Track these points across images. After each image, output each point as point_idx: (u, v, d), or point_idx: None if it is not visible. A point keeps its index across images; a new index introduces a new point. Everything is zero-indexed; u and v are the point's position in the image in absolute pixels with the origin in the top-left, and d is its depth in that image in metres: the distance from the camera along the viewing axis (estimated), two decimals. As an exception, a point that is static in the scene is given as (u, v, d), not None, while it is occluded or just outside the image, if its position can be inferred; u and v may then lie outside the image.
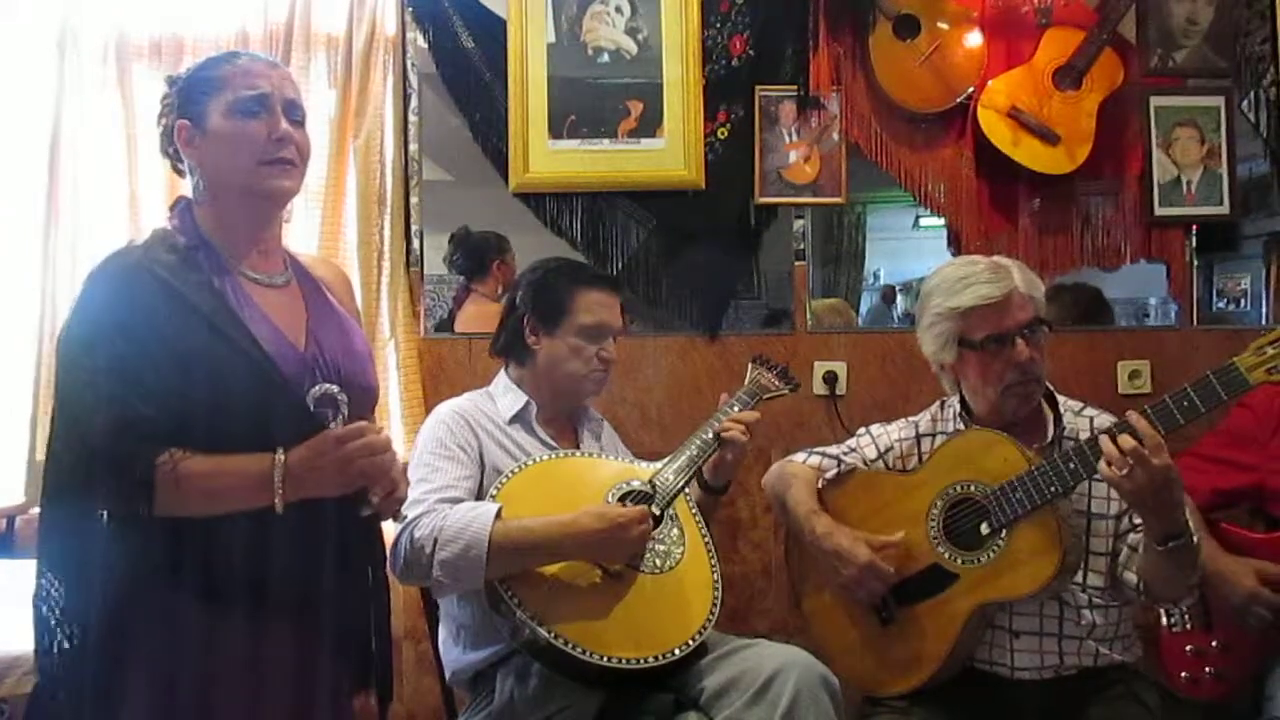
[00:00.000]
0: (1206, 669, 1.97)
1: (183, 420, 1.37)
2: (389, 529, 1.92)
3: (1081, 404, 1.89)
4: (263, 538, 1.43)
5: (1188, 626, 2.00)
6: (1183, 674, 1.99)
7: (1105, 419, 1.83)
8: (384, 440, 1.40)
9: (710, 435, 1.91)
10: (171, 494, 1.36)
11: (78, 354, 1.39)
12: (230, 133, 1.48)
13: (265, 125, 1.48)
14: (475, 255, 2.68)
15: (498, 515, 1.68)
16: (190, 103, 1.51)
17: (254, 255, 1.53)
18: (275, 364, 1.41)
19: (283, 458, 1.36)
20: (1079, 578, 1.77)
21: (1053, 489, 1.69)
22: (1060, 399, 1.88)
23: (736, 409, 1.98)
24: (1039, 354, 1.79)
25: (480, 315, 2.62)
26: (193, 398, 1.37)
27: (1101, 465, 1.60)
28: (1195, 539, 1.66)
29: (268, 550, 1.44)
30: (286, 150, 1.49)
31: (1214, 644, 1.97)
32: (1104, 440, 1.60)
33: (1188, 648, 1.99)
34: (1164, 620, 2.03)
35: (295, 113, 1.52)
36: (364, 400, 1.54)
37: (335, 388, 1.42)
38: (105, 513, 1.43)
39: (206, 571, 1.43)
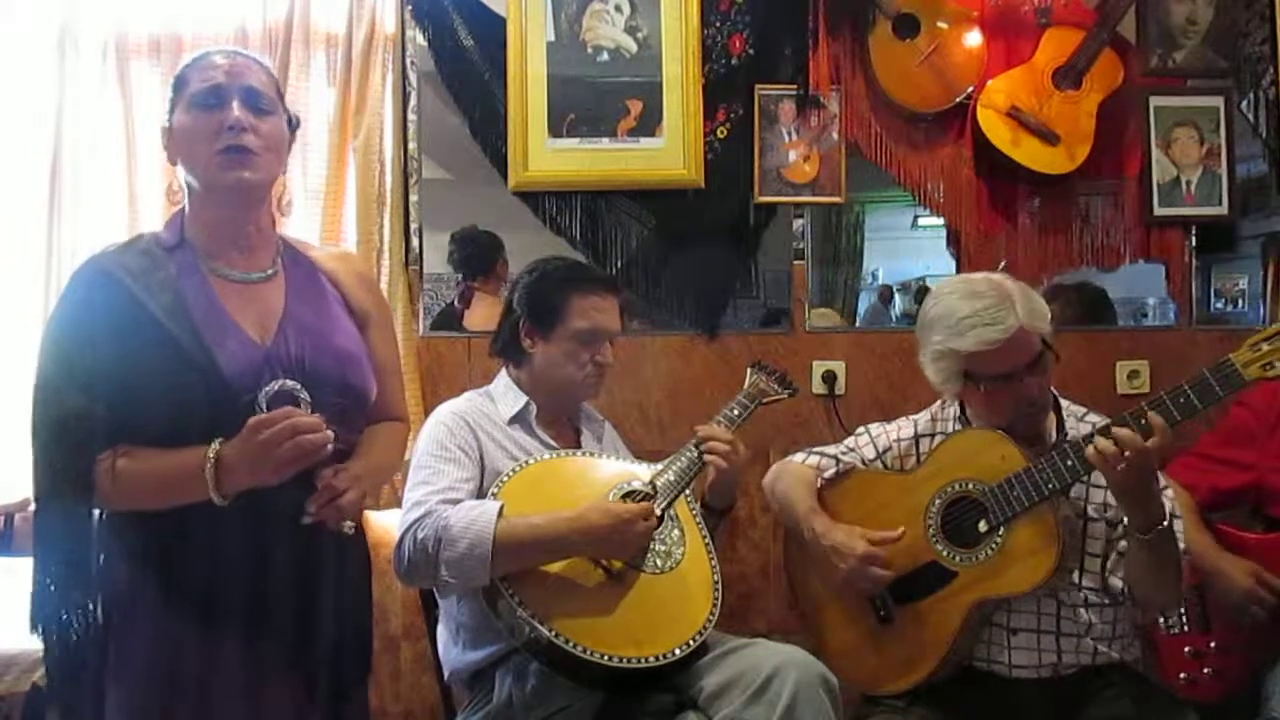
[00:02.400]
0: (1204, 669, 1.97)
1: (130, 418, 1.41)
2: (388, 528, 1.93)
3: (1085, 410, 1.88)
4: (234, 540, 1.44)
5: (1185, 628, 2.00)
6: (1180, 675, 1.99)
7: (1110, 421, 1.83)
8: (308, 423, 1.38)
9: (694, 454, 1.90)
10: (111, 489, 1.41)
11: (43, 355, 1.45)
12: (187, 128, 1.50)
13: (218, 117, 1.47)
14: (483, 254, 2.67)
15: (500, 512, 1.68)
16: (169, 105, 1.54)
17: (232, 252, 1.53)
18: (216, 362, 1.41)
19: (215, 450, 1.38)
20: (1075, 577, 1.78)
21: (1051, 486, 1.69)
22: (1064, 404, 1.87)
23: (735, 412, 1.98)
24: (1046, 381, 1.78)
25: (492, 313, 2.61)
26: (138, 397, 1.40)
27: (1090, 450, 1.60)
28: (1179, 539, 1.69)
29: (239, 552, 1.45)
30: (242, 138, 1.47)
31: (1211, 645, 1.97)
32: (1102, 438, 1.61)
33: (1185, 649, 1.99)
34: (1161, 622, 2.04)
35: (258, 100, 1.51)
36: (342, 398, 1.51)
37: (293, 384, 1.41)
38: (94, 511, 1.46)
39: (182, 574, 1.44)
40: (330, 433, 1.40)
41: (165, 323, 1.42)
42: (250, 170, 1.48)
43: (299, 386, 1.41)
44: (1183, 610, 2.00)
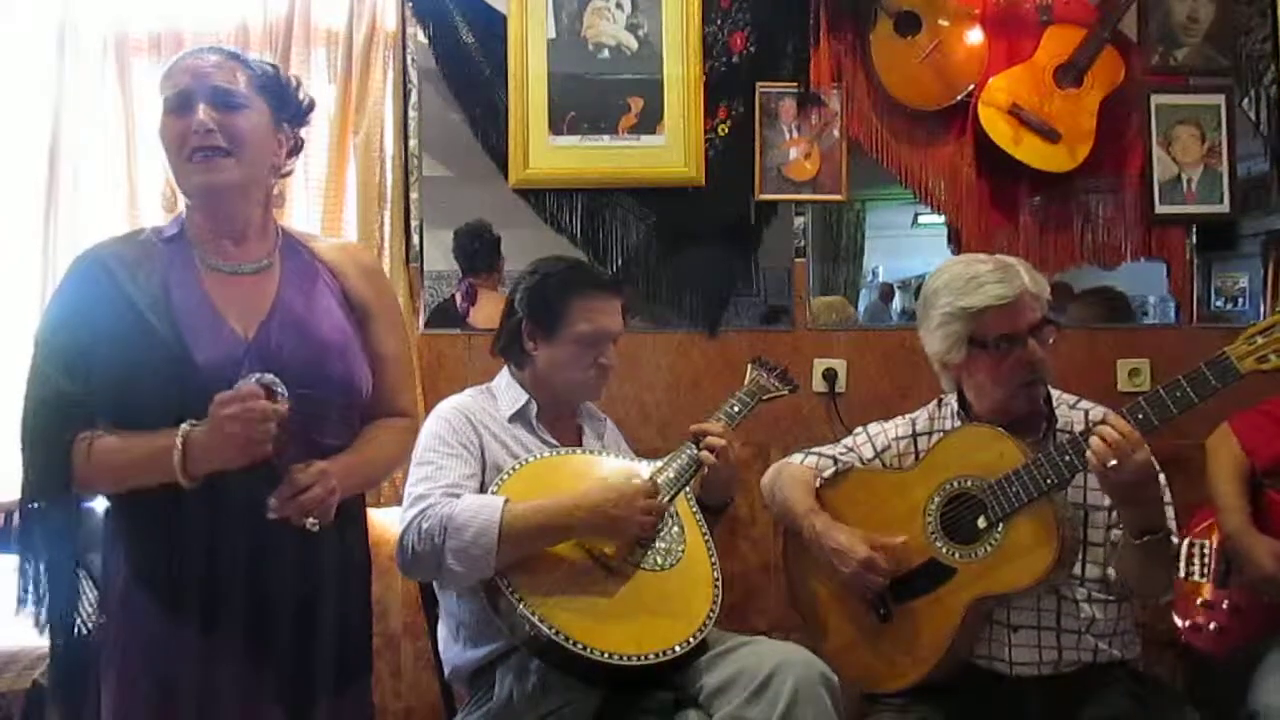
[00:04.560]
0: (1211, 624, 1.97)
1: (111, 406, 1.44)
2: (388, 525, 1.93)
3: (1076, 398, 1.90)
4: (231, 538, 1.45)
5: (1206, 575, 2.00)
6: (1185, 622, 1.99)
7: (1099, 412, 1.83)
8: (259, 410, 1.36)
9: (688, 455, 1.90)
10: (86, 470, 1.43)
11: (36, 340, 1.49)
12: (161, 133, 1.52)
13: (185, 121, 1.48)
14: (487, 250, 2.67)
15: (505, 503, 1.68)
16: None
17: (224, 245, 1.54)
18: (191, 354, 1.42)
19: (184, 431, 1.38)
20: (1076, 570, 1.78)
21: (1049, 481, 1.69)
22: (1054, 393, 1.88)
23: (735, 408, 1.98)
24: (1047, 352, 1.79)
25: (498, 310, 2.60)
26: (117, 385, 1.43)
27: (1090, 455, 1.61)
28: (1174, 540, 1.71)
29: (236, 551, 1.45)
30: (209, 139, 1.47)
31: (1225, 604, 1.97)
32: (1096, 433, 1.61)
33: (1199, 599, 1.99)
34: (1183, 566, 2.03)
35: (227, 98, 1.50)
36: (325, 392, 1.51)
37: (271, 377, 1.40)
38: (88, 502, 1.47)
39: (178, 571, 1.45)
40: (271, 426, 1.37)
41: (146, 313, 1.44)
42: (219, 172, 1.49)
43: (277, 380, 1.41)
44: (1207, 559, 1.99)
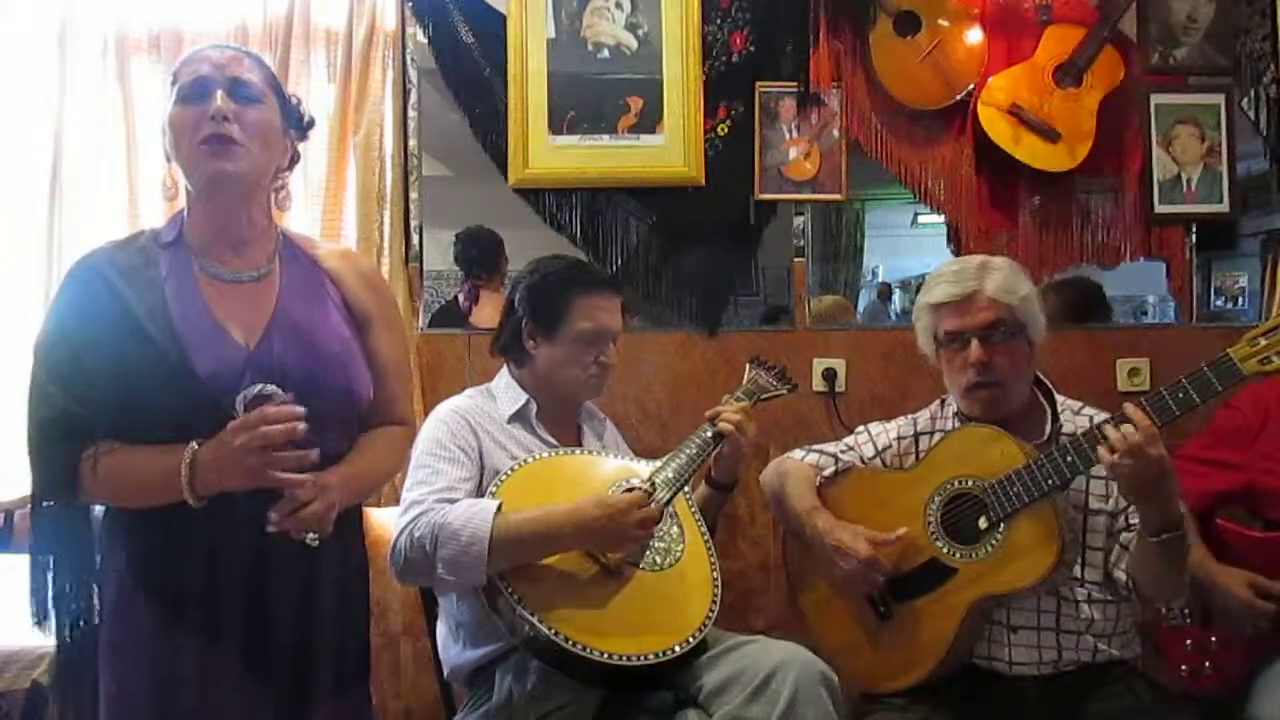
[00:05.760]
0: (1206, 663, 1.97)
1: (112, 419, 1.41)
2: (388, 525, 1.93)
3: (1080, 404, 1.89)
4: (230, 542, 1.44)
5: (1187, 621, 2.00)
6: (1183, 667, 1.99)
7: (1104, 418, 1.83)
8: (275, 434, 1.36)
9: (710, 434, 1.91)
10: (93, 485, 1.42)
11: (36, 352, 1.47)
12: (173, 120, 1.50)
13: (202, 108, 1.47)
14: (489, 252, 2.68)
15: (498, 510, 1.68)
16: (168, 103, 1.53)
17: (225, 250, 1.52)
18: (190, 365, 1.40)
19: (192, 451, 1.37)
20: (1076, 572, 1.78)
21: (1050, 481, 1.69)
22: (1059, 398, 1.88)
23: (740, 400, 1.99)
24: (1003, 359, 1.79)
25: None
26: (118, 397, 1.41)
27: (1102, 452, 1.60)
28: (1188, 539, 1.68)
29: (234, 555, 1.45)
30: (223, 128, 1.46)
31: (1213, 639, 1.97)
32: (1107, 429, 1.61)
33: (1188, 642, 1.99)
34: (1163, 611, 2.03)
35: (244, 91, 1.50)
36: (327, 403, 1.49)
37: (273, 388, 1.40)
38: (93, 510, 1.46)
39: (177, 575, 1.44)
40: (300, 423, 1.37)
41: (145, 323, 1.42)
42: (230, 161, 1.47)
43: (279, 391, 1.40)
44: (1184, 604, 1.99)
